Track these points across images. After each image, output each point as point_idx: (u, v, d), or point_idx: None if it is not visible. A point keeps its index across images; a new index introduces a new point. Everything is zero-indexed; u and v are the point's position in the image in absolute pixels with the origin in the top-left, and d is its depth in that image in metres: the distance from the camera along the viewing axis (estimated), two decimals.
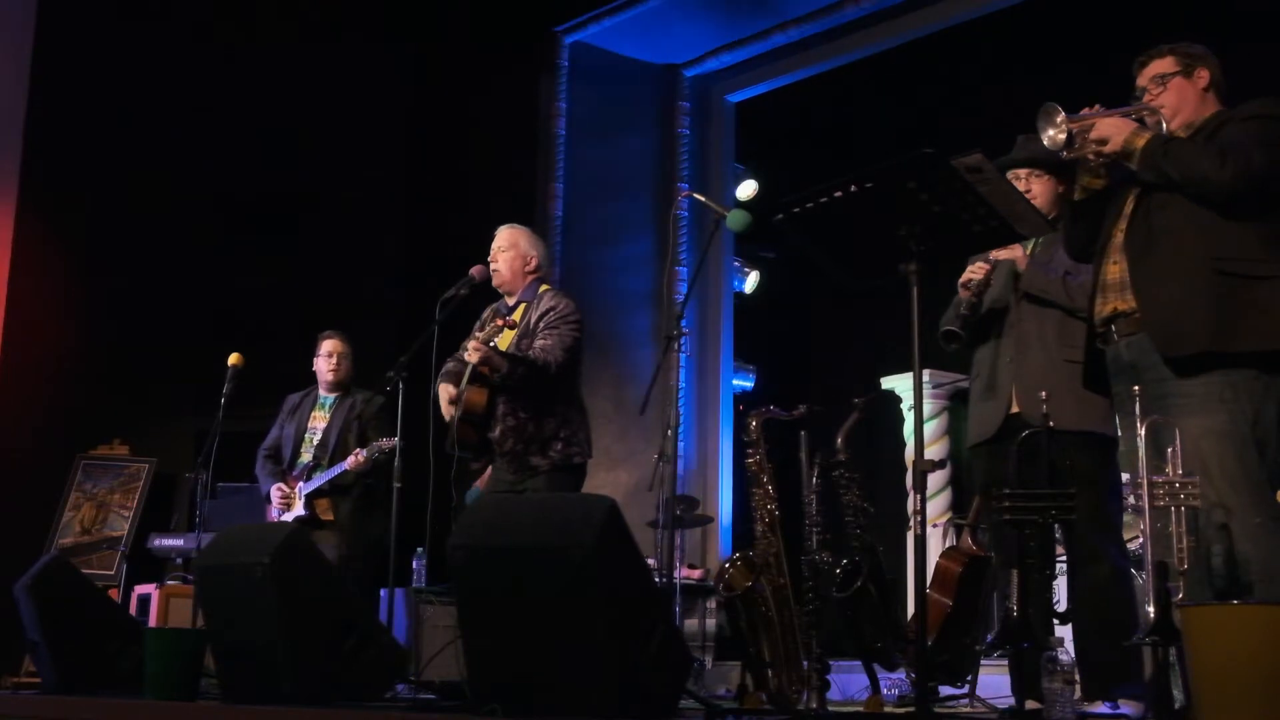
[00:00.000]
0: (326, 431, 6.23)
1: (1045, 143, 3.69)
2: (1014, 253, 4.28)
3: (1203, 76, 3.77)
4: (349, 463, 5.96)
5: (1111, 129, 3.65)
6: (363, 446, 6.03)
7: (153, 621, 6.65)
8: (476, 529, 3.39)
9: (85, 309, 8.24)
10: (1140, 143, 3.62)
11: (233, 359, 6.13)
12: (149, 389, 8.26)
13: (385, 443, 5.87)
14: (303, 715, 3.66)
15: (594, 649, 3.10)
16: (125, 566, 7.52)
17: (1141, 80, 3.82)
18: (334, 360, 6.32)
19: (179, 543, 7.36)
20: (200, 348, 7.11)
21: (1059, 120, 3.65)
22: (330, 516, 6.09)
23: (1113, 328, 3.74)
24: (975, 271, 4.31)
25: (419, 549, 6.78)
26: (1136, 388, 3.51)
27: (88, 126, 8.24)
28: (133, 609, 6.92)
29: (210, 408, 6.12)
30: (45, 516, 7.60)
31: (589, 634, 3.10)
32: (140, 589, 7.08)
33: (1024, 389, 4.15)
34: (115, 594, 7.06)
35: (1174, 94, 3.76)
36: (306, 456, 6.21)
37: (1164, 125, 3.71)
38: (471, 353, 4.92)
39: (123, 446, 8.00)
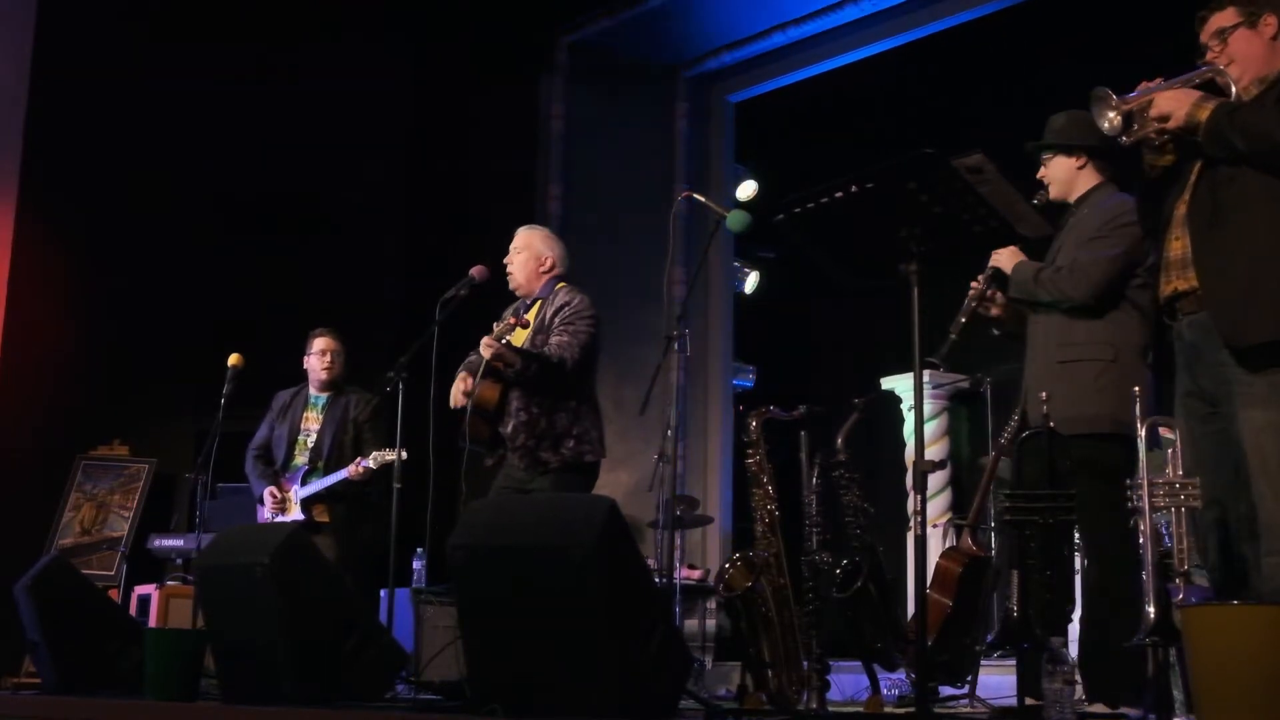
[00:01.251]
0: (320, 434, 6.19)
1: (1105, 129, 3.45)
2: (1013, 257, 4.24)
3: (1270, 24, 3.45)
4: (349, 472, 5.93)
5: (1172, 103, 3.38)
6: (359, 451, 6.01)
7: (153, 622, 6.64)
8: (477, 529, 3.39)
9: (85, 309, 8.23)
10: (1204, 115, 3.33)
11: (232, 359, 6.10)
12: (149, 389, 8.25)
13: (387, 454, 5.76)
14: (303, 716, 3.66)
15: (594, 649, 3.10)
16: (125, 567, 7.50)
17: (1204, 37, 3.54)
18: (328, 358, 6.27)
19: (179, 543, 7.35)
20: (200, 348, 7.11)
21: (1112, 103, 3.41)
22: (326, 519, 6.07)
23: (1177, 306, 3.52)
24: (973, 287, 4.28)
25: (419, 549, 6.78)
26: (1137, 389, 3.49)
27: (88, 126, 8.23)
28: (133, 609, 6.91)
29: (210, 408, 6.11)
30: (45, 517, 7.59)
31: (589, 634, 3.10)
32: (140, 589, 7.08)
33: (1029, 393, 4.12)
34: (115, 594, 7.05)
35: (1238, 47, 3.46)
36: (300, 459, 6.18)
37: (1233, 85, 3.44)
38: (484, 348, 4.91)
39: (123, 447, 7.99)
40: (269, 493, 6.13)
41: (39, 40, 8.23)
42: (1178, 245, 3.49)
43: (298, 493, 6.08)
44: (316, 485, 6.04)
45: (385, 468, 5.82)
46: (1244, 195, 3.34)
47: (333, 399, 6.28)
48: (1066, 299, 4.09)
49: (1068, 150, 4.23)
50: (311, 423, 6.26)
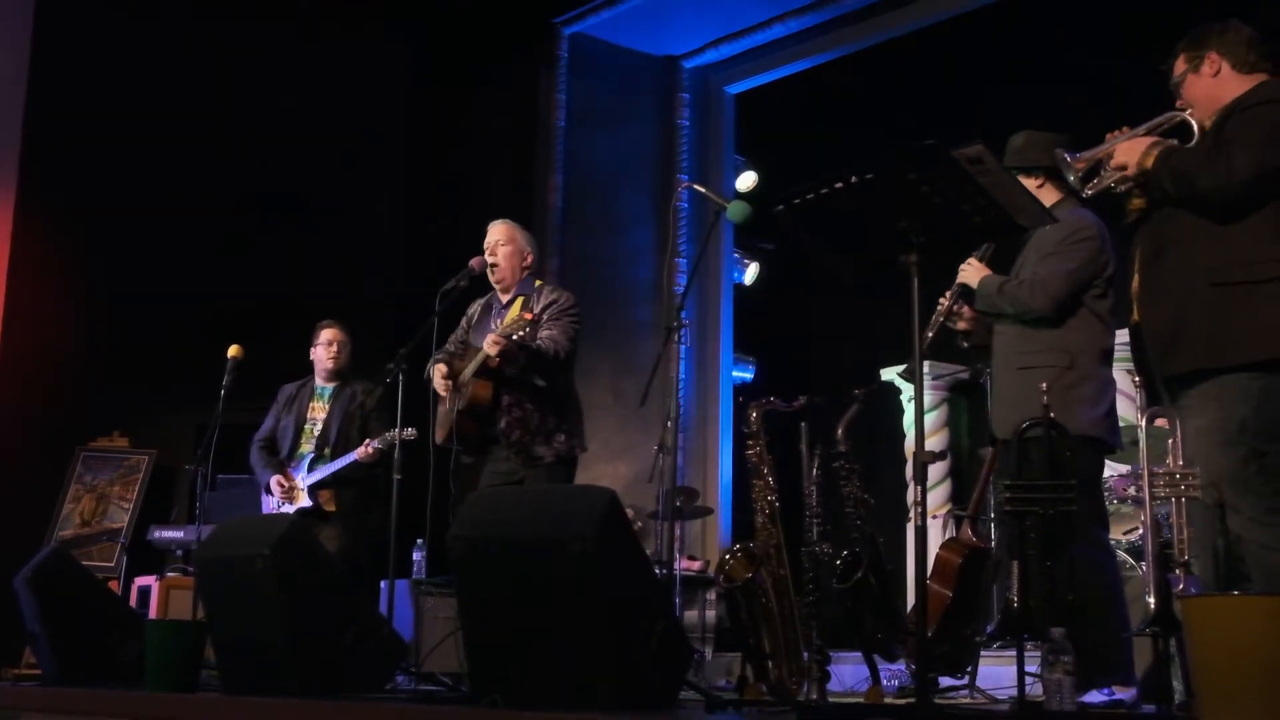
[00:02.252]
0: (327, 423, 6.21)
1: (1071, 185, 3.76)
2: (979, 272, 4.38)
3: (1212, 62, 3.62)
4: (359, 454, 5.95)
5: (1126, 153, 3.61)
6: (365, 437, 6.02)
7: (153, 613, 6.65)
8: (477, 521, 3.39)
9: (85, 301, 8.23)
10: (1150, 162, 3.55)
11: (232, 351, 6.12)
12: (148, 381, 8.25)
13: (405, 432, 5.62)
14: (303, 707, 3.66)
15: (594, 640, 3.10)
16: (125, 558, 7.51)
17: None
18: (334, 349, 6.30)
19: (179, 535, 7.36)
20: (200, 339, 7.11)
21: (1069, 161, 3.69)
22: (333, 507, 6.08)
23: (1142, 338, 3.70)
24: (940, 303, 4.46)
25: (419, 540, 6.79)
26: (1138, 379, 3.53)
27: (87, 121, 8.23)
28: (133, 601, 6.92)
29: (210, 400, 6.12)
30: (45, 509, 7.60)
31: (589, 625, 3.10)
32: (140, 581, 7.09)
33: (993, 405, 4.34)
34: (115, 586, 7.06)
35: (1190, 93, 3.67)
36: (307, 448, 6.19)
37: (1195, 126, 3.63)
38: (490, 346, 4.89)
39: (122, 439, 8.00)
40: (276, 481, 6.13)
41: (37, 33, 8.23)
42: (1137, 280, 3.68)
43: (304, 480, 6.09)
44: (325, 470, 6.05)
45: (394, 449, 5.84)
46: (1177, 233, 3.53)
47: (338, 389, 6.31)
48: (1029, 310, 4.25)
49: (1025, 171, 4.35)
50: (318, 412, 6.29)
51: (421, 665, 5.30)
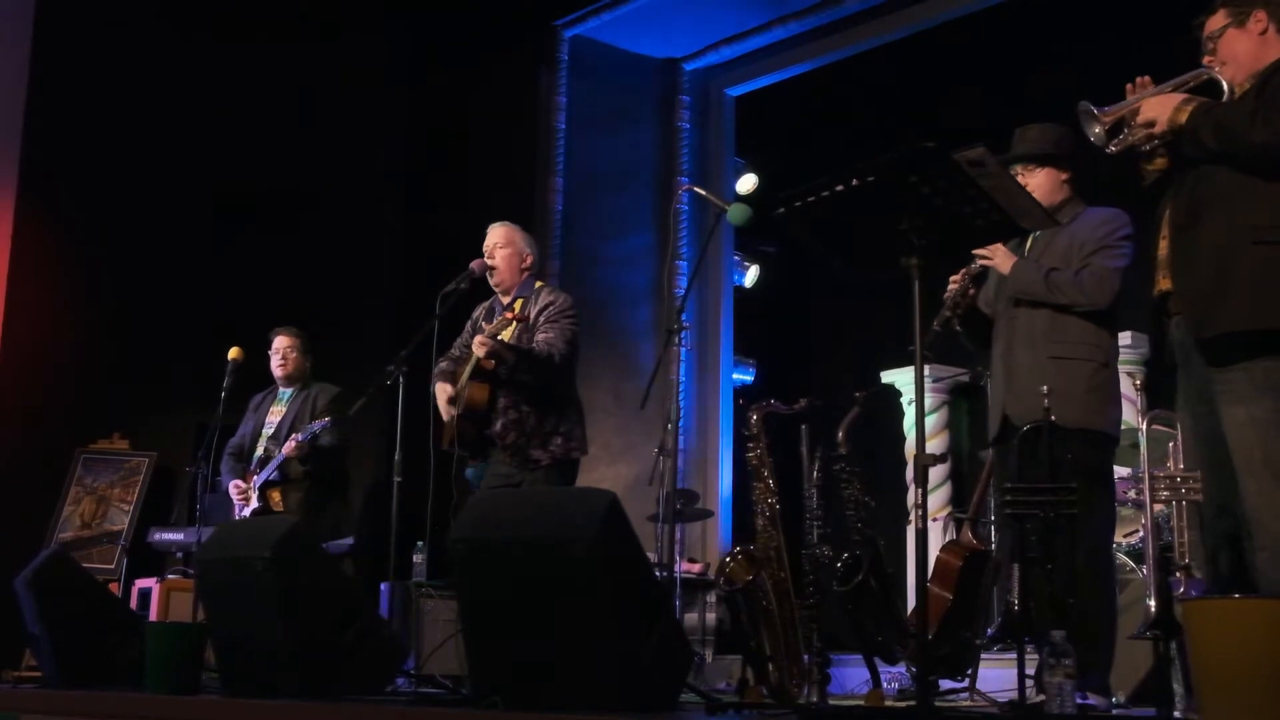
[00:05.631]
0: (281, 423, 6.34)
1: (1094, 141, 3.55)
2: (994, 254, 4.23)
3: (1259, 19, 3.48)
4: (287, 449, 6.03)
5: (1156, 108, 3.45)
6: None
7: (153, 615, 6.64)
8: (478, 523, 3.39)
9: (85, 302, 8.22)
10: (1184, 117, 3.39)
11: (233, 353, 6.16)
12: (149, 383, 8.24)
13: (315, 424, 5.97)
14: (303, 709, 3.66)
15: (595, 643, 3.10)
16: (125, 560, 7.51)
17: (1203, 41, 3.59)
18: (279, 356, 6.44)
19: (179, 537, 7.34)
20: (200, 341, 7.12)
21: (1094, 114, 3.51)
22: (281, 507, 6.15)
23: (1166, 306, 3.55)
24: (952, 283, 4.30)
25: (419, 543, 6.79)
26: (1138, 381, 3.52)
27: (87, 122, 8.22)
28: (133, 603, 6.91)
29: (210, 402, 6.14)
30: (45, 511, 7.60)
31: (590, 628, 3.10)
32: (141, 583, 7.08)
33: (1011, 391, 4.16)
34: (115, 588, 7.05)
35: (1229, 48, 3.50)
36: (260, 450, 6.28)
37: (1225, 85, 3.48)
38: (478, 346, 4.91)
39: (123, 441, 8.00)
40: (233, 485, 6.27)
41: (38, 32, 8.22)
42: (1164, 245, 3.53)
43: (255, 481, 6.16)
44: (268, 470, 6.13)
45: (327, 442, 6.05)
46: (1216, 192, 3.37)
47: (297, 393, 6.44)
48: (1089, 304, 4.10)
49: (1056, 162, 4.26)
50: (275, 415, 6.41)
51: (422, 668, 5.30)
